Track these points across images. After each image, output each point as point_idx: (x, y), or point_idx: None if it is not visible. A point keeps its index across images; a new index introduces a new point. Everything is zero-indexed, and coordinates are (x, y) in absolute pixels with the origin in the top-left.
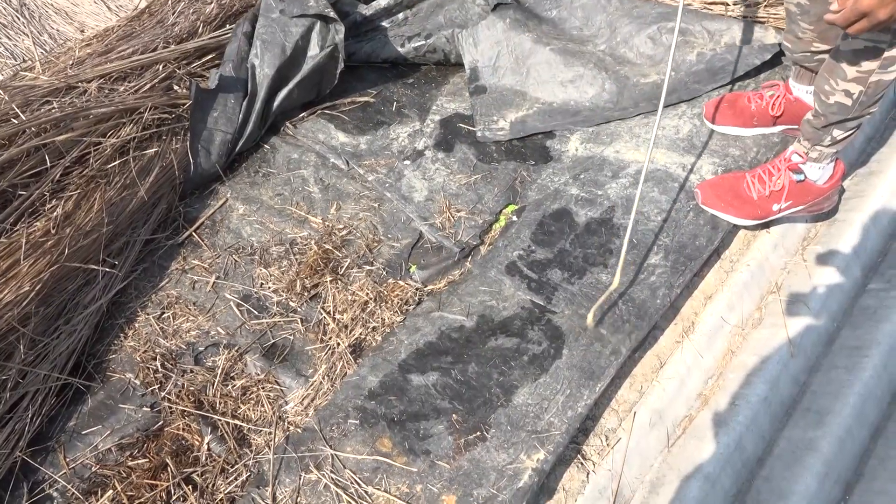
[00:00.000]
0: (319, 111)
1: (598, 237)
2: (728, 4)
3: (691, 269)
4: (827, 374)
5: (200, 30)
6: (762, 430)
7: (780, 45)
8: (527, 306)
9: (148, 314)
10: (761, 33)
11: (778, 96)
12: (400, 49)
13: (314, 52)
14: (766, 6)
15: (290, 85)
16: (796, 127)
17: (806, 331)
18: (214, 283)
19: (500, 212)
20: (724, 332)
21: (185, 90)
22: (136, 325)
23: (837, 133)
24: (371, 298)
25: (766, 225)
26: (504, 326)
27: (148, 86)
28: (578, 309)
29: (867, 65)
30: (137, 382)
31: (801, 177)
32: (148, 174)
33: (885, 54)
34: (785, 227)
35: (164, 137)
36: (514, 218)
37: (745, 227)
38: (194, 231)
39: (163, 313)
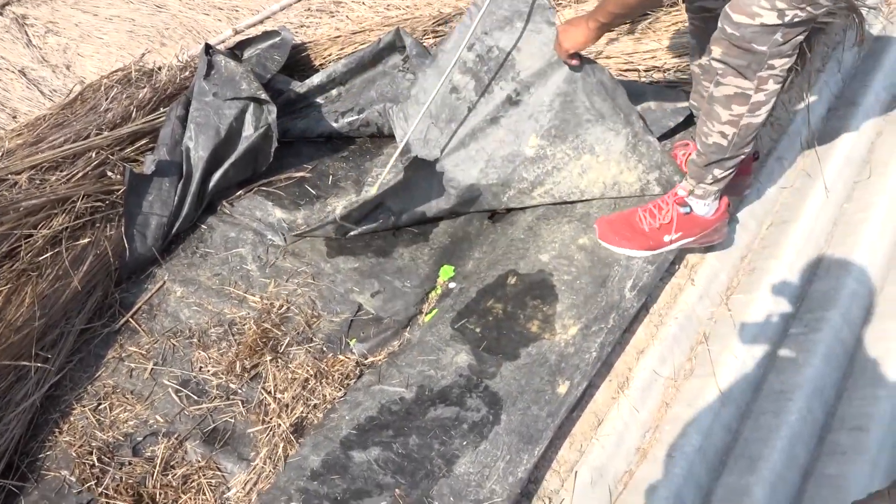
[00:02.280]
0: (256, 188)
1: (533, 298)
2: (640, 71)
3: (620, 327)
4: (756, 420)
5: (134, 115)
6: (699, 480)
7: (689, 106)
8: (464, 373)
9: (84, 406)
10: (673, 97)
11: (689, 154)
12: (334, 124)
13: (248, 132)
14: (676, 72)
15: (226, 165)
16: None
17: (735, 378)
18: (152, 369)
19: (437, 279)
20: (657, 385)
21: (119, 176)
22: (72, 418)
23: (717, 172)
24: (311, 375)
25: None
26: (443, 395)
27: (81, 174)
28: (515, 373)
29: (737, 109)
30: (73, 479)
31: (687, 209)
32: (82, 263)
33: (752, 99)
34: (709, 278)
35: (98, 225)
36: (451, 285)
37: (639, 258)
38: (131, 317)
39: (99, 404)
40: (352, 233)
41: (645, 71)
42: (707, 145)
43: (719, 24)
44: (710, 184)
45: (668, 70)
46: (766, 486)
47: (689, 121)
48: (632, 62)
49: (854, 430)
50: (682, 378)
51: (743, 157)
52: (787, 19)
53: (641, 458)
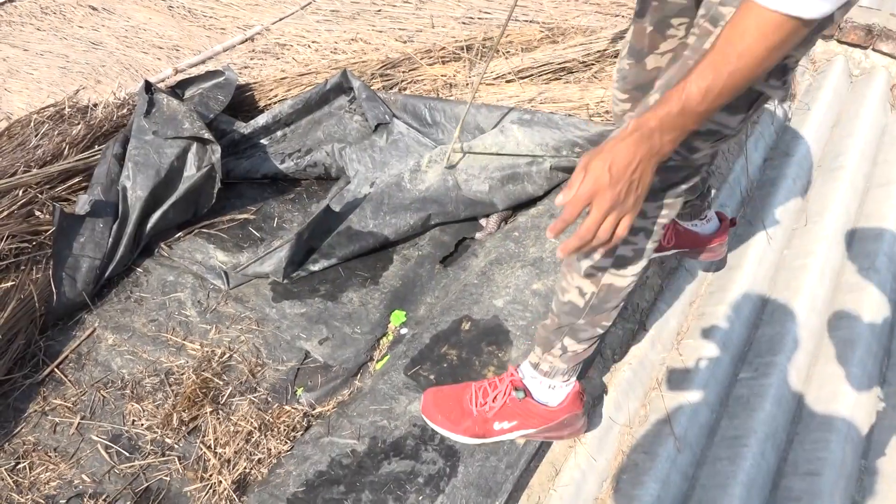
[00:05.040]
0: (197, 230)
1: (488, 344)
2: (589, 108)
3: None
4: (713, 466)
5: (66, 152)
6: None
7: None
8: (419, 423)
9: (0, 466)
10: None
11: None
12: (280, 165)
13: (190, 172)
14: None
15: (165, 206)
16: (687, 249)
17: (689, 424)
18: (79, 423)
19: (388, 324)
20: (613, 433)
21: (48, 216)
22: None
23: (568, 342)
24: (255, 428)
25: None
26: (397, 447)
27: (6, 213)
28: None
29: (602, 260)
30: None
31: (521, 395)
32: (2, 309)
33: (618, 251)
34: (660, 324)
35: (23, 268)
36: (403, 330)
37: (467, 444)
38: (56, 367)
39: (17, 464)
40: (296, 274)
41: (596, 115)
42: (561, 304)
43: None
44: (559, 356)
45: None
46: None
47: None
48: (585, 105)
49: (807, 475)
50: (637, 425)
51: (601, 333)
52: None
53: None
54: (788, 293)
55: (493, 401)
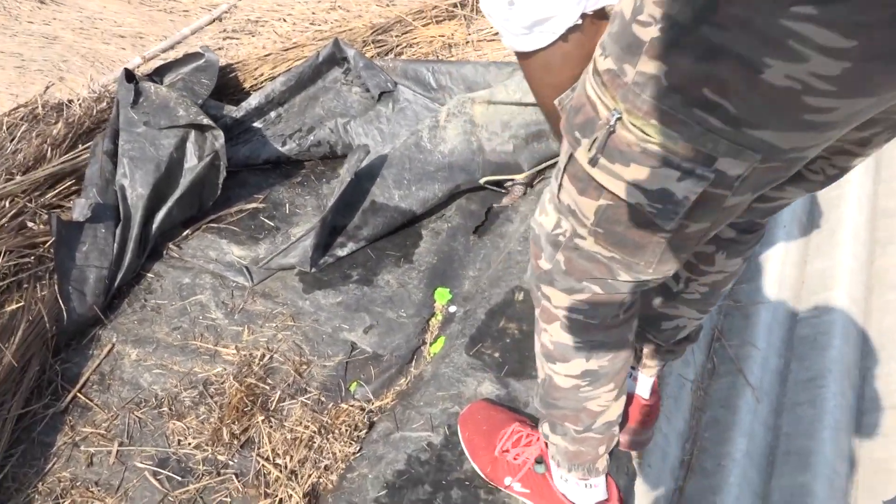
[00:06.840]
0: (205, 226)
1: None
2: None
3: None
4: (793, 412)
5: (49, 154)
6: (753, 486)
7: None
8: (495, 402)
9: None
10: None
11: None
12: (282, 148)
13: (192, 163)
14: None
15: (170, 202)
16: None
17: (761, 372)
18: (118, 451)
19: (433, 304)
20: (686, 391)
21: (43, 226)
22: None
23: (559, 435)
24: (315, 432)
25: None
26: None
27: None
28: None
29: (538, 344)
30: None
31: (542, 469)
32: (12, 334)
33: (542, 339)
34: None
35: (25, 286)
36: (451, 308)
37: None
38: (79, 391)
39: None
40: (323, 261)
41: None
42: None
43: None
44: (564, 446)
45: None
46: (825, 483)
47: None
48: None
49: (891, 409)
50: (707, 379)
51: (583, 433)
52: (564, 235)
53: (689, 471)
54: (829, 225)
55: (515, 458)
